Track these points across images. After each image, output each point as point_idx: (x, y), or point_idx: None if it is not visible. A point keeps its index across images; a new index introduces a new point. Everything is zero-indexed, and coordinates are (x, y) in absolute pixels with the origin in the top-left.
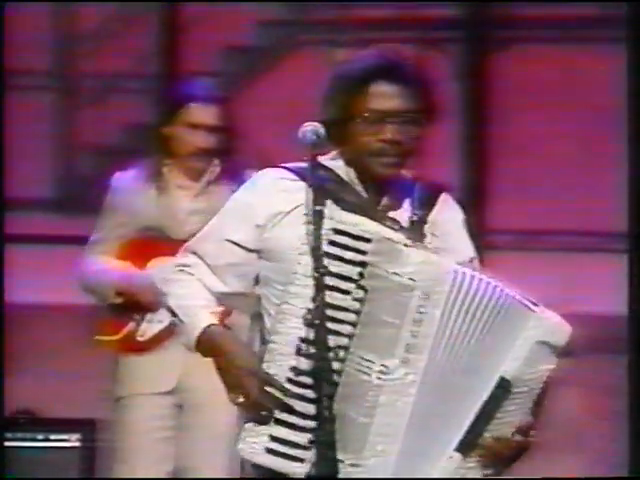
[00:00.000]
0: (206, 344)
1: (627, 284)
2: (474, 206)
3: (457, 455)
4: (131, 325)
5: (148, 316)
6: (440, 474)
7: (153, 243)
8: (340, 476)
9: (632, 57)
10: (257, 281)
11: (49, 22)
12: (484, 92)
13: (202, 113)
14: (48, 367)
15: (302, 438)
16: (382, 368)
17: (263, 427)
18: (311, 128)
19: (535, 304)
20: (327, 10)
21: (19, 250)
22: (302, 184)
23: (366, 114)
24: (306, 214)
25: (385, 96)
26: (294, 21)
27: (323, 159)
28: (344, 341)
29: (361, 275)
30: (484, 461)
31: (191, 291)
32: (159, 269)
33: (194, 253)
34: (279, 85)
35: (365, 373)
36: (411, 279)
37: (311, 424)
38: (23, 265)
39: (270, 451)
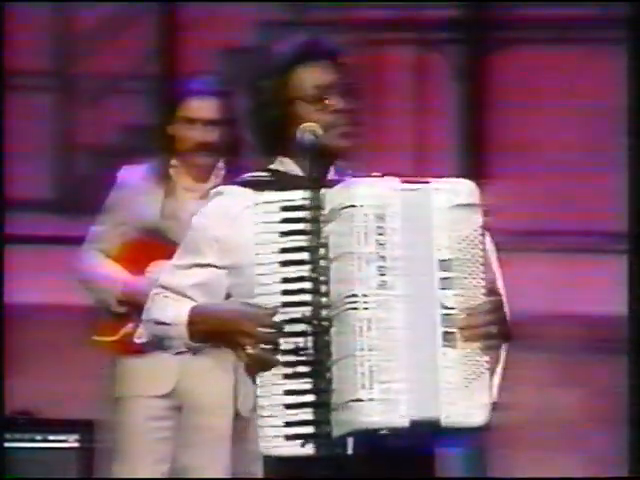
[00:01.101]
0: (198, 323)
1: (627, 285)
2: None
3: (448, 350)
4: (128, 327)
5: None
6: (449, 377)
7: (154, 245)
8: (360, 412)
9: (632, 58)
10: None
11: (48, 22)
12: (483, 93)
13: (198, 107)
14: (47, 368)
15: (311, 414)
16: (365, 298)
17: (276, 418)
18: (309, 128)
19: (427, 181)
20: (327, 11)
21: (18, 250)
22: (247, 189)
23: (309, 92)
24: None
25: (321, 72)
26: (294, 22)
27: (257, 170)
28: (324, 301)
29: (318, 233)
30: (472, 339)
31: (167, 302)
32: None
33: (159, 286)
34: None
35: (351, 309)
36: (362, 205)
37: (314, 398)
38: (22, 265)
39: (290, 437)
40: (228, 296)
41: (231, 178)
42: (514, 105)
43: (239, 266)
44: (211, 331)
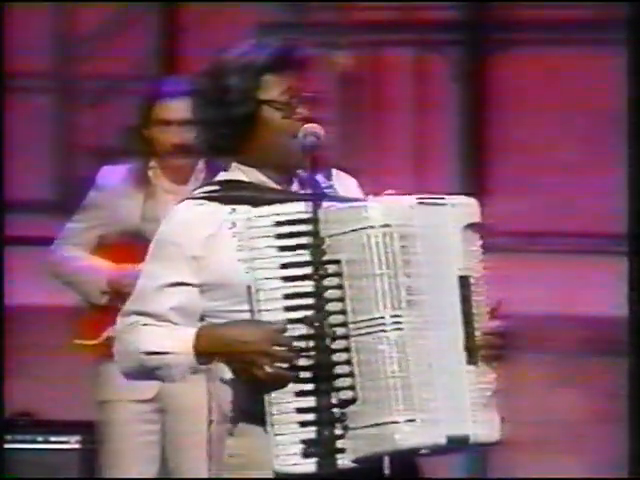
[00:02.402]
0: (206, 347)
1: (627, 286)
2: None
3: (471, 367)
4: (110, 330)
5: None
6: (473, 394)
7: (135, 248)
8: (400, 432)
9: (632, 59)
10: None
11: (49, 23)
12: (483, 94)
13: (173, 108)
14: (48, 369)
15: (330, 431)
16: (395, 319)
17: (291, 436)
18: (311, 130)
19: (441, 197)
20: (327, 12)
21: (19, 252)
22: (216, 204)
23: (278, 98)
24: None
25: (292, 80)
26: (294, 23)
27: (216, 180)
28: (339, 318)
29: (322, 251)
30: (487, 359)
31: (155, 331)
32: None
33: (134, 312)
34: None
35: (380, 331)
36: (385, 225)
37: (333, 415)
38: (23, 267)
39: (309, 454)
40: (202, 316)
41: (211, 179)
42: (514, 106)
43: (220, 284)
44: (219, 353)
